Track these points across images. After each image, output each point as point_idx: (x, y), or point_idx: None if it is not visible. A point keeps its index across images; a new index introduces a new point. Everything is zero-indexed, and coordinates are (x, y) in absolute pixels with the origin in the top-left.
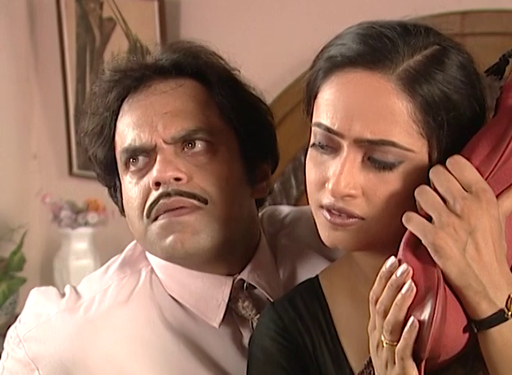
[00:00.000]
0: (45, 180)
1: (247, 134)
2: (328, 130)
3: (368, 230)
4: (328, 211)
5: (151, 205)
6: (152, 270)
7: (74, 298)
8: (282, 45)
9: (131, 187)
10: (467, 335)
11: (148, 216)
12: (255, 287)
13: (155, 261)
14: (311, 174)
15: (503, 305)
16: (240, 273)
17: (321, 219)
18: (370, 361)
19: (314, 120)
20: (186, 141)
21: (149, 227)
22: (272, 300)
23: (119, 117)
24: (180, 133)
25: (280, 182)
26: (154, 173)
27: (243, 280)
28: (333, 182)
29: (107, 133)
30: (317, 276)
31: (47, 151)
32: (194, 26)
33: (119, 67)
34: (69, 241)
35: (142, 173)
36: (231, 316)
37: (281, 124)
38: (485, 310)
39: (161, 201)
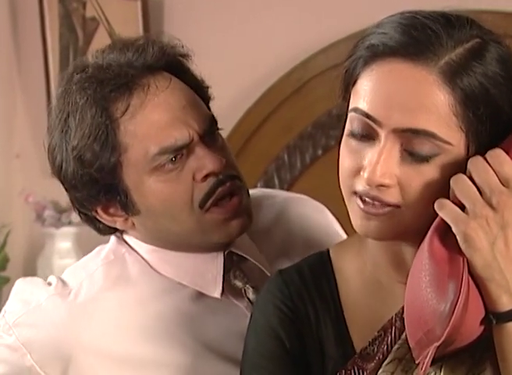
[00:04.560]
0: (28, 180)
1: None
2: (367, 115)
3: (402, 219)
4: (361, 199)
5: (207, 195)
6: (137, 254)
7: (62, 285)
8: (265, 45)
9: (166, 184)
10: (483, 326)
11: (202, 207)
12: (243, 261)
13: (143, 247)
14: (345, 161)
15: None
16: (228, 247)
17: (354, 207)
18: (374, 340)
19: (351, 106)
20: (208, 130)
21: (202, 218)
22: (263, 269)
23: (126, 119)
24: (206, 122)
25: (263, 181)
26: (206, 164)
27: (232, 254)
28: (369, 171)
29: (111, 138)
30: (328, 250)
31: (30, 150)
32: (177, 26)
33: (100, 74)
34: (53, 240)
35: (178, 169)
36: (225, 292)
37: (264, 123)
38: (505, 304)
39: (220, 189)
